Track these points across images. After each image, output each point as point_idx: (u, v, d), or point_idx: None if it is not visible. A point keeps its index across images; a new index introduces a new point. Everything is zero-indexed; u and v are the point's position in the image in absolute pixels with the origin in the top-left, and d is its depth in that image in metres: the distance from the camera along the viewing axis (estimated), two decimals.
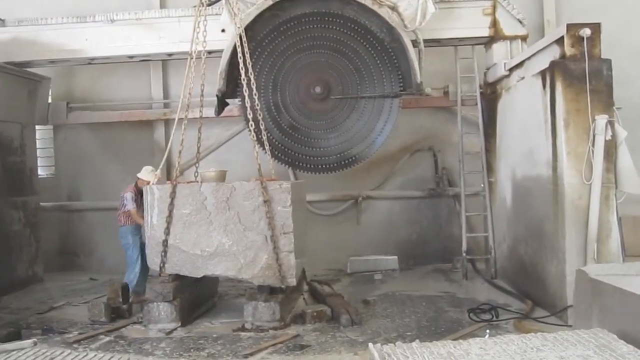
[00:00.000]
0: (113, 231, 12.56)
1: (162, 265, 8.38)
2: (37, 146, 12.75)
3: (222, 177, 8.90)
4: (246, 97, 8.71)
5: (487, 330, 7.36)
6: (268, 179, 8.30)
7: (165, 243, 8.32)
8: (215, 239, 8.23)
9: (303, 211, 9.74)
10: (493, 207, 11.07)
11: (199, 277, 8.45)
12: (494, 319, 8.08)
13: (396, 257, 12.08)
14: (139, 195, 9.72)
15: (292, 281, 8.21)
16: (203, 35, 8.74)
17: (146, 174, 9.85)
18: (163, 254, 8.35)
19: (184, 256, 8.33)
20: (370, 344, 4.75)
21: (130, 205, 9.81)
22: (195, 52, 8.75)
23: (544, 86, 8.27)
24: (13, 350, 5.68)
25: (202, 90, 8.89)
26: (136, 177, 10.01)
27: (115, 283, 9.28)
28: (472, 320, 8.06)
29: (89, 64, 12.05)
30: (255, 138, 8.78)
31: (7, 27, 11.42)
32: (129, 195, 9.85)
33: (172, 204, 8.31)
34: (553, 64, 8.05)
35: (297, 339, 7.51)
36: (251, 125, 8.65)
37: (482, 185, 11.26)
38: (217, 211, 8.22)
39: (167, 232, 8.30)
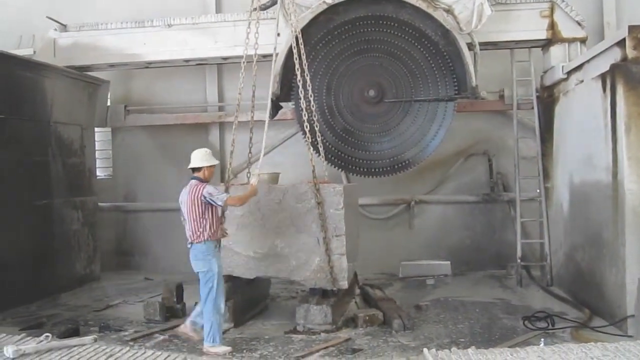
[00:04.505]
0: (167, 232, 12.84)
1: None
2: (96, 148, 13.08)
3: (275, 179, 8.96)
4: (301, 99, 8.74)
5: (542, 339, 7.20)
6: (321, 181, 8.32)
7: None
8: (267, 241, 8.30)
9: (355, 214, 9.72)
10: (549, 213, 10.84)
11: (251, 278, 8.52)
12: (550, 327, 7.90)
13: (449, 262, 11.94)
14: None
15: (344, 284, 8.20)
16: (255, 37, 8.77)
17: (206, 157, 7.46)
18: None
19: (236, 257, 8.43)
20: (425, 349, 4.72)
21: (223, 196, 7.26)
22: (255, 55, 8.80)
23: (604, 90, 8.06)
24: (74, 346, 5.83)
25: (254, 92, 8.90)
26: (194, 171, 7.44)
27: (170, 283, 9.42)
28: (527, 328, 7.90)
29: (147, 67, 12.36)
30: (309, 141, 8.80)
31: (69, 32, 11.84)
32: (210, 188, 7.23)
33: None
34: (614, 67, 7.84)
35: (349, 343, 7.49)
36: (306, 126, 8.66)
37: (538, 190, 11.05)
38: (269, 213, 8.28)
39: None
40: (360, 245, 9.54)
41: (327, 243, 8.06)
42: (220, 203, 7.22)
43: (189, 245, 7.29)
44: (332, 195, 8.13)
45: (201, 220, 7.17)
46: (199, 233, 7.17)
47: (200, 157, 7.39)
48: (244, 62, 8.82)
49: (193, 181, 7.32)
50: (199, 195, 7.14)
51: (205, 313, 7.19)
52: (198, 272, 7.26)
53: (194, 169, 7.39)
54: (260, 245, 8.32)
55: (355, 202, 9.89)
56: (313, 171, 8.31)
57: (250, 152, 9.18)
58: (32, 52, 12.02)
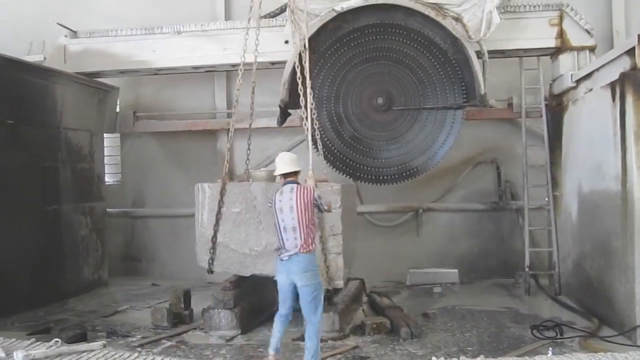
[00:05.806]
0: (175, 238, 12.85)
1: (210, 261, 8.50)
2: (105, 154, 13.12)
3: (272, 177, 8.90)
4: (301, 97, 8.58)
5: (550, 348, 7.16)
6: (319, 180, 8.20)
7: (214, 239, 8.44)
8: (264, 239, 8.27)
9: (352, 216, 9.66)
10: (558, 221, 10.80)
11: (247, 275, 8.51)
12: (559, 336, 7.87)
13: (456, 270, 11.91)
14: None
15: (340, 283, 8.18)
16: (255, 44, 8.83)
17: (297, 160, 6.99)
18: (211, 250, 8.48)
19: (232, 254, 8.44)
20: (433, 358, 4.73)
21: (327, 200, 6.93)
22: (255, 62, 8.81)
23: (614, 98, 8.05)
24: (83, 352, 5.85)
25: (252, 96, 8.98)
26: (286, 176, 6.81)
27: (178, 289, 9.42)
28: (535, 337, 7.87)
29: (156, 74, 12.39)
30: (309, 138, 8.64)
31: (79, 38, 11.89)
32: (317, 191, 6.79)
33: (222, 201, 8.42)
34: (623, 76, 7.83)
35: (356, 351, 7.49)
36: (305, 124, 8.59)
37: (547, 199, 11.01)
38: (266, 211, 8.19)
39: (217, 228, 8.43)
40: (361, 250, 9.47)
41: (323, 242, 8.03)
42: (325, 207, 6.67)
43: (286, 257, 6.44)
44: (330, 194, 8.06)
45: (312, 226, 6.48)
46: (310, 241, 6.40)
47: (294, 161, 6.83)
48: (241, 70, 8.90)
49: (293, 185, 6.62)
50: (311, 199, 6.49)
51: (316, 329, 6.44)
52: (302, 286, 6.40)
53: (287, 174, 6.76)
54: (257, 242, 8.31)
55: (353, 203, 9.80)
56: (310, 169, 8.26)
57: (249, 148, 9.14)
58: (42, 58, 12.05)
